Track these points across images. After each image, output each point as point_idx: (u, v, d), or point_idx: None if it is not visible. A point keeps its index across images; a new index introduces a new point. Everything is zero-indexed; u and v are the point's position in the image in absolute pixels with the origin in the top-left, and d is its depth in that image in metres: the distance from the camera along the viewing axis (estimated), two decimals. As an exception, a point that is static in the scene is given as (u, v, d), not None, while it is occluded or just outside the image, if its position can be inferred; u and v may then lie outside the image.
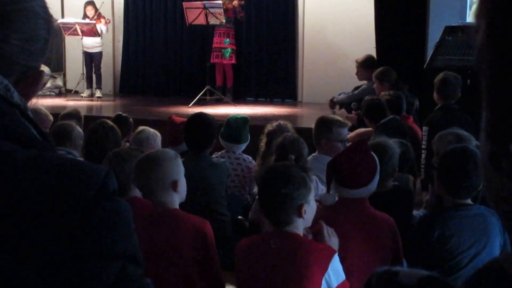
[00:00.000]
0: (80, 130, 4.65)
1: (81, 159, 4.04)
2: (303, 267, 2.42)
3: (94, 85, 10.33)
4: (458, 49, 6.84)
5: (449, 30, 7.10)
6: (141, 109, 9.24)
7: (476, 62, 0.53)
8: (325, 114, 4.83)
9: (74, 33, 9.82)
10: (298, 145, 4.05)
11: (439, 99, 5.38)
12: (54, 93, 10.90)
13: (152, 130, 4.78)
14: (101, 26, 9.96)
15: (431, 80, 5.54)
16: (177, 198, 2.93)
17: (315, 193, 2.73)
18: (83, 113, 5.98)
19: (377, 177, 3.03)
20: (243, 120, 4.92)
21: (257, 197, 4.25)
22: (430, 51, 7.22)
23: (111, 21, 10.68)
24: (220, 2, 9.28)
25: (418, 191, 4.94)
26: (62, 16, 10.74)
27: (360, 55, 7.75)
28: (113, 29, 11.32)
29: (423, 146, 5.20)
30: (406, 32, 7.55)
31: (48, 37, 1.02)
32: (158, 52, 11.31)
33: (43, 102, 7.86)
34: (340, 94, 7.74)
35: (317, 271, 2.42)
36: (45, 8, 1.02)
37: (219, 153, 4.93)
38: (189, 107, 8.87)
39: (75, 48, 10.57)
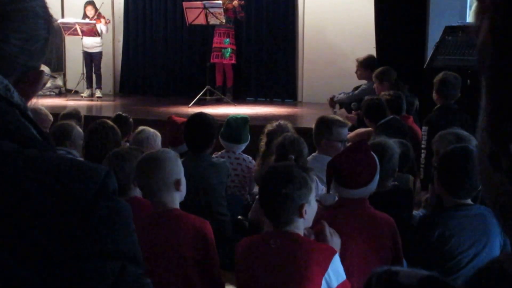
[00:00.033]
0: (80, 130, 4.66)
1: (81, 159, 4.04)
2: (303, 267, 2.42)
3: (94, 85, 10.34)
4: (458, 49, 6.84)
5: (449, 30, 7.10)
6: (141, 109, 9.24)
7: (477, 61, 0.53)
8: (325, 114, 4.83)
9: (74, 33, 9.82)
10: (298, 145, 4.05)
11: (438, 99, 5.38)
12: (54, 93, 10.90)
13: (152, 130, 4.78)
14: (101, 26, 9.96)
15: (431, 80, 5.54)
16: (178, 197, 2.94)
17: (315, 193, 2.73)
18: (83, 113, 5.98)
19: (377, 177, 3.03)
20: (243, 120, 4.92)
21: (257, 197, 4.25)
22: (430, 51, 7.22)
23: (111, 21, 10.68)
24: (220, 2, 9.28)
25: (418, 191, 4.93)
26: (62, 16, 10.74)
27: (360, 55, 7.75)
28: (113, 29, 11.32)
29: (422, 146, 5.20)
30: (406, 32, 7.55)
31: (48, 37, 1.02)
32: (158, 52, 11.32)
33: (43, 102, 7.86)
34: (340, 94, 7.74)
35: (317, 271, 2.42)
36: (45, 8, 1.02)
37: (219, 153, 4.93)
38: (189, 107, 8.87)
39: (75, 48, 10.58)
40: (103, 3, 10.23)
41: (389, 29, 7.76)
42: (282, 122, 4.84)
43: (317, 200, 2.76)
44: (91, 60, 10.19)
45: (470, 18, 7.50)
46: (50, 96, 10.57)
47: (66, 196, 0.87)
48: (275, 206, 2.51)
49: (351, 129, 5.56)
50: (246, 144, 4.92)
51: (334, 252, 2.48)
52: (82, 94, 10.23)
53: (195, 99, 9.15)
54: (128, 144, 4.83)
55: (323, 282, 2.43)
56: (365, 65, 7.50)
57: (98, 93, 10.27)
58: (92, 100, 10.11)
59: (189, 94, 9.87)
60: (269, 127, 4.75)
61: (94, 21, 9.89)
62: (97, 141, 4.28)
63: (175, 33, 11.22)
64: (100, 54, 10.26)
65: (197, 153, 4.27)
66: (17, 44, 0.96)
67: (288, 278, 2.45)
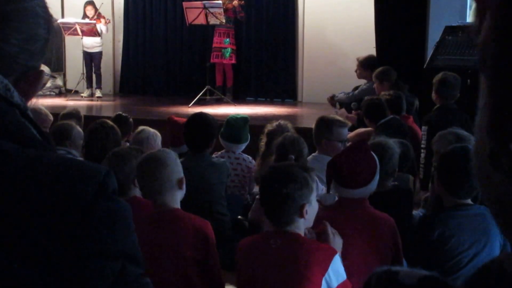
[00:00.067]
0: (80, 130, 4.66)
1: (81, 159, 4.04)
2: (303, 267, 2.42)
3: (94, 85, 10.33)
4: (458, 49, 6.84)
5: (449, 30, 7.10)
6: (141, 109, 9.24)
7: (478, 59, 0.53)
8: (325, 114, 4.82)
9: (74, 33, 9.82)
10: (298, 145, 4.05)
11: (437, 99, 5.38)
12: (54, 93, 10.90)
13: (152, 130, 4.78)
14: (101, 26, 9.96)
15: (431, 80, 5.54)
16: (180, 197, 2.95)
17: (316, 193, 2.73)
18: (83, 113, 5.97)
19: (377, 177, 3.03)
20: (243, 120, 4.92)
21: (257, 197, 4.25)
22: (430, 51, 7.22)
23: (111, 21, 10.68)
24: (220, 2, 9.28)
25: (417, 191, 4.93)
26: (62, 16, 10.74)
27: (360, 55, 7.75)
28: (113, 29, 11.32)
29: (422, 146, 5.20)
30: (406, 32, 7.55)
31: (48, 37, 1.02)
32: (158, 52, 11.31)
33: (43, 102, 7.86)
34: (340, 93, 7.75)
35: (317, 271, 2.42)
36: (45, 8, 1.02)
37: (219, 153, 4.93)
38: (189, 107, 8.87)
39: (75, 48, 10.58)
40: (102, 3, 10.23)
41: (389, 29, 7.76)
42: (282, 122, 4.84)
43: (317, 200, 2.76)
44: (91, 60, 10.19)
45: (470, 18, 7.50)
46: (50, 96, 10.57)
47: (66, 196, 0.88)
48: (276, 206, 2.51)
49: (351, 129, 5.56)
50: (246, 144, 4.92)
51: (334, 253, 2.48)
52: (82, 94, 10.23)
53: (195, 99, 9.15)
54: (128, 144, 4.82)
55: (323, 282, 2.42)
56: (365, 65, 7.50)
57: (98, 93, 10.27)
58: (92, 100, 10.11)
59: (189, 94, 9.87)
60: (269, 127, 4.75)
61: (94, 21, 9.89)
62: (97, 141, 4.28)
63: (175, 33, 11.22)
64: (100, 54, 10.26)
65: (197, 153, 4.27)
66: (17, 44, 0.96)
67: (288, 278, 2.45)
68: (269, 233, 2.59)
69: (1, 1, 0.96)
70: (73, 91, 10.50)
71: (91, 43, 10.07)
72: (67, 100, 9.95)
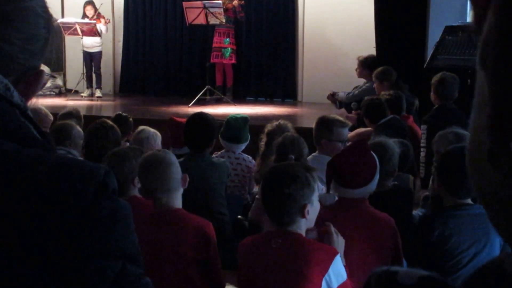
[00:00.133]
0: (80, 129, 4.65)
1: (81, 158, 4.04)
2: (303, 267, 2.42)
3: (94, 84, 10.33)
4: (458, 49, 6.84)
5: (449, 30, 7.10)
6: (141, 109, 9.24)
7: (479, 57, 0.53)
8: (325, 114, 4.82)
9: (74, 32, 9.82)
10: (298, 145, 4.05)
11: (436, 99, 5.39)
12: (54, 93, 10.90)
13: (152, 130, 4.78)
14: (100, 26, 9.95)
15: (431, 80, 5.54)
16: (181, 195, 2.96)
17: (316, 193, 2.73)
18: (83, 112, 5.97)
19: (377, 177, 3.03)
20: (243, 120, 4.92)
21: (257, 196, 4.24)
22: (430, 51, 7.22)
23: (111, 21, 10.68)
24: (220, 2, 9.28)
25: (418, 190, 4.93)
26: (62, 16, 10.74)
27: (360, 55, 7.76)
28: (113, 29, 11.32)
29: (422, 145, 5.20)
30: (406, 32, 7.55)
31: (48, 37, 1.02)
32: (158, 52, 11.31)
33: (43, 102, 7.85)
34: (341, 93, 7.75)
35: (317, 272, 2.41)
36: (45, 7, 1.02)
37: (219, 152, 4.93)
38: (189, 107, 8.87)
39: (75, 47, 10.58)
40: (101, 4, 10.23)
41: (389, 29, 7.76)
42: (282, 122, 4.84)
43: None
44: (91, 59, 10.18)
45: (470, 17, 7.50)
46: (50, 95, 10.57)
47: (66, 196, 0.88)
48: (277, 206, 2.50)
49: (351, 129, 5.56)
50: (246, 144, 4.92)
51: (336, 253, 2.48)
52: (82, 94, 10.23)
53: (195, 99, 9.15)
54: (128, 144, 4.83)
55: (323, 282, 2.42)
56: (365, 65, 7.51)
57: (98, 93, 10.27)
58: (92, 100, 10.11)
59: (189, 94, 9.87)
60: (269, 127, 4.75)
61: (95, 21, 9.88)
62: (97, 141, 4.28)
63: (175, 33, 11.22)
64: (100, 53, 10.25)
65: (197, 152, 4.27)
66: (17, 44, 0.96)
67: (288, 277, 2.45)
68: (270, 233, 2.59)
69: (1, 1, 0.96)
70: (73, 91, 10.49)
71: (91, 43, 10.07)
72: (67, 100, 9.95)
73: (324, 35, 10.15)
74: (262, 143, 4.66)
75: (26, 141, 0.93)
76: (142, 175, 2.98)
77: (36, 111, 4.73)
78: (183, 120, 4.78)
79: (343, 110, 7.53)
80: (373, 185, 3.02)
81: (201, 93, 9.29)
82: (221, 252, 3.11)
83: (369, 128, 5.56)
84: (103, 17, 10.13)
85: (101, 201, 0.89)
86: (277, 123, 4.78)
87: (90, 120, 5.08)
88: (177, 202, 2.94)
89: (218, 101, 9.62)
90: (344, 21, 9.81)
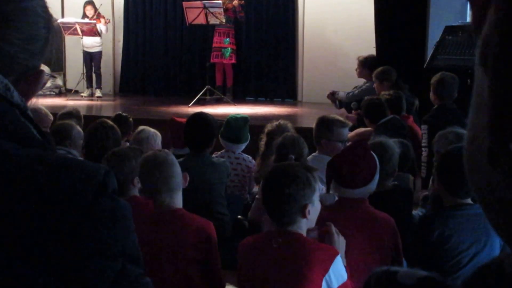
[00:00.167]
0: (80, 129, 4.65)
1: (81, 158, 4.04)
2: (303, 267, 2.42)
3: (94, 84, 10.33)
4: (458, 49, 6.84)
5: (449, 30, 7.10)
6: (141, 109, 9.24)
7: (479, 56, 0.53)
8: (325, 114, 4.82)
9: (74, 32, 9.82)
10: (298, 145, 4.05)
11: (436, 99, 5.39)
12: (54, 93, 10.90)
13: (152, 130, 4.79)
14: (100, 26, 9.95)
15: (431, 80, 5.55)
16: (181, 195, 2.96)
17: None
18: (83, 112, 5.97)
19: (377, 177, 3.03)
20: (243, 120, 4.92)
21: (257, 196, 4.24)
22: (430, 51, 7.22)
23: (111, 21, 10.68)
24: (220, 1, 9.28)
25: (418, 190, 4.93)
26: (62, 16, 10.74)
27: (360, 55, 7.76)
28: (113, 29, 11.32)
29: (423, 144, 5.20)
30: (406, 32, 7.55)
31: (48, 37, 1.02)
32: (158, 52, 11.31)
33: (43, 102, 7.85)
34: (341, 93, 7.75)
35: (317, 272, 2.41)
36: (45, 7, 1.02)
37: (219, 152, 4.93)
38: (189, 107, 8.87)
39: (75, 47, 10.58)
40: (101, 4, 10.22)
41: (389, 29, 7.76)
42: (282, 121, 4.84)
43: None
44: (91, 59, 10.18)
45: (470, 17, 7.49)
46: (50, 95, 10.57)
47: (66, 196, 0.88)
48: (278, 206, 2.50)
49: (351, 129, 5.56)
50: (246, 144, 4.92)
51: (336, 253, 2.48)
52: (82, 94, 10.23)
53: (195, 99, 9.15)
54: (128, 143, 4.83)
55: (323, 282, 2.42)
56: (365, 65, 7.51)
57: (98, 93, 10.27)
58: (92, 100, 10.10)
59: (189, 94, 9.87)
60: (269, 126, 4.75)
61: (95, 21, 9.88)
62: (97, 141, 4.28)
63: (175, 33, 11.22)
64: (100, 53, 10.25)
65: (197, 152, 4.27)
66: (17, 44, 0.96)
67: (288, 277, 2.45)
68: (270, 233, 2.59)
69: (1, 1, 0.96)
70: (73, 91, 10.49)
71: (91, 43, 10.07)
72: (67, 100, 9.94)
73: (324, 35, 10.15)
74: (262, 143, 4.66)
75: (26, 141, 0.93)
76: (144, 175, 2.97)
77: (36, 111, 4.73)
78: (184, 120, 4.79)
79: (343, 110, 7.53)
80: (373, 185, 3.02)
81: (201, 93, 9.29)
82: (221, 252, 3.11)
83: (369, 128, 5.56)
84: (103, 17, 10.13)
85: (101, 201, 0.89)
86: (277, 123, 4.78)
87: (90, 120, 5.08)
88: (178, 202, 2.95)
89: (218, 101, 9.62)
90: (344, 21, 9.81)
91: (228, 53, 9.86)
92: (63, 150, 4.26)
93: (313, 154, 4.38)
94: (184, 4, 9.52)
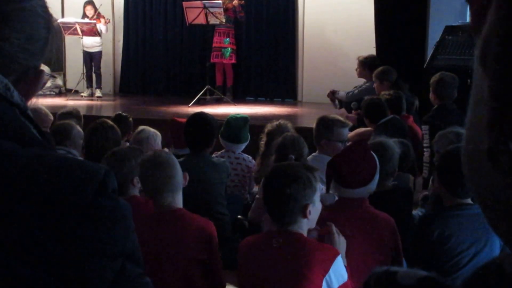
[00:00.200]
0: (80, 129, 4.65)
1: (81, 158, 4.04)
2: (304, 267, 2.42)
3: (94, 84, 10.33)
4: (458, 49, 6.84)
5: (450, 30, 7.10)
6: (141, 109, 9.24)
7: (480, 55, 0.53)
8: (325, 114, 4.82)
9: (74, 32, 9.81)
10: (298, 144, 4.05)
11: (435, 100, 5.39)
12: (54, 93, 10.90)
13: (152, 130, 4.79)
14: (100, 26, 9.95)
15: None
16: (181, 194, 2.96)
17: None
18: (83, 112, 5.97)
19: (377, 177, 3.03)
20: (243, 120, 4.92)
21: (257, 196, 4.25)
22: (430, 51, 7.22)
23: (111, 21, 10.67)
24: (220, 1, 9.28)
25: (418, 190, 4.93)
26: (62, 16, 10.73)
27: (360, 54, 7.76)
28: (113, 29, 11.32)
29: (425, 145, 5.20)
30: (406, 32, 7.55)
31: (48, 37, 1.02)
32: (158, 52, 11.31)
33: (43, 102, 7.85)
34: (341, 92, 7.75)
35: (317, 272, 2.41)
36: (45, 7, 1.02)
37: (219, 152, 4.93)
38: (189, 106, 8.87)
39: (75, 47, 10.57)
40: (101, 4, 10.22)
41: (389, 29, 7.75)
42: (282, 121, 4.84)
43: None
44: (91, 59, 10.18)
45: (469, 17, 7.48)
46: (50, 95, 10.57)
47: (66, 196, 0.88)
48: (279, 206, 2.50)
49: (351, 129, 5.56)
50: (246, 143, 4.92)
51: (337, 254, 2.48)
52: (82, 94, 10.22)
53: (195, 99, 9.15)
54: (128, 143, 4.83)
55: (324, 283, 2.42)
56: (365, 65, 7.51)
57: (98, 93, 10.27)
58: (92, 100, 10.10)
59: (189, 94, 9.87)
60: (269, 126, 4.75)
61: (95, 21, 9.88)
62: (97, 141, 4.28)
63: (175, 33, 11.22)
64: (100, 53, 10.25)
65: (197, 152, 4.27)
66: (17, 44, 0.96)
67: (288, 277, 2.45)
68: (271, 233, 2.59)
69: (1, 1, 0.96)
70: (73, 91, 10.49)
71: (91, 43, 10.07)
72: (67, 99, 9.94)
73: (324, 35, 10.15)
74: (262, 143, 4.66)
75: (26, 141, 0.93)
76: (145, 175, 2.97)
77: (36, 111, 4.73)
78: (185, 120, 4.79)
79: (343, 110, 7.53)
80: (373, 185, 3.02)
81: (201, 93, 9.29)
82: (221, 252, 3.11)
83: (369, 128, 5.56)
84: (103, 17, 10.13)
85: (101, 200, 0.89)
86: (277, 123, 4.78)
87: (90, 120, 5.08)
88: (179, 202, 2.95)
89: (218, 101, 9.62)
90: (344, 21, 9.81)
91: (228, 53, 9.86)
92: (63, 150, 4.26)
93: (313, 154, 4.38)
94: (184, 4, 9.52)
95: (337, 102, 7.77)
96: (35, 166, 0.89)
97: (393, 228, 2.93)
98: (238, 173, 4.82)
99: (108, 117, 5.26)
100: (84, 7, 10.15)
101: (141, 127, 4.83)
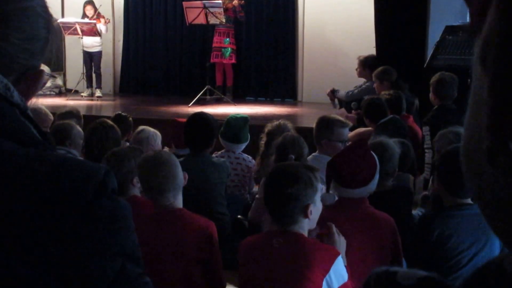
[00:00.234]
0: (80, 129, 4.66)
1: (81, 158, 4.04)
2: (304, 267, 2.42)
3: (94, 84, 10.33)
4: (459, 49, 6.83)
5: (450, 30, 7.10)
6: (141, 109, 9.24)
7: (480, 55, 0.53)
8: (325, 114, 4.82)
9: (74, 32, 9.81)
10: (298, 144, 4.05)
11: (435, 100, 5.39)
12: (54, 93, 10.90)
13: (152, 129, 4.79)
14: (100, 26, 9.95)
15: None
16: (181, 194, 2.97)
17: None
18: (82, 112, 5.97)
19: (376, 177, 3.03)
20: (243, 120, 4.92)
21: (257, 196, 4.24)
22: (430, 51, 7.21)
23: (111, 21, 10.67)
24: (220, 1, 9.28)
25: (418, 190, 4.93)
26: (62, 16, 10.74)
27: (360, 54, 7.75)
28: (113, 29, 11.32)
29: (427, 146, 5.19)
30: (406, 32, 7.54)
31: (48, 37, 1.02)
32: (158, 52, 11.31)
33: (43, 102, 7.85)
34: (341, 92, 7.75)
35: (318, 272, 2.41)
36: (45, 7, 1.02)
37: (219, 152, 4.93)
38: (189, 106, 8.87)
39: (75, 47, 10.57)
40: (100, 5, 10.22)
41: (389, 29, 7.75)
42: (282, 121, 4.84)
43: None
44: (91, 59, 10.18)
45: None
46: (50, 95, 10.57)
47: (66, 195, 0.88)
48: (280, 206, 2.50)
49: (351, 129, 5.56)
50: (246, 143, 4.92)
51: (337, 254, 2.48)
52: (82, 94, 10.22)
53: (195, 99, 9.15)
54: (128, 143, 4.83)
55: (324, 283, 2.42)
56: (365, 64, 7.50)
57: (98, 93, 10.27)
58: (92, 100, 10.10)
59: (189, 94, 9.87)
60: (269, 126, 4.75)
61: (95, 21, 9.88)
62: (97, 141, 4.28)
63: (175, 32, 11.22)
64: (99, 53, 10.25)
65: (197, 152, 4.27)
66: (17, 44, 0.96)
67: (289, 277, 2.45)
68: (272, 233, 2.59)
69: (1, 1, 0.96)
70: (73, 91, 10.49)
71: (91, 43, 10.06)
72: (67, 99, 9.94)
73: (324, 35, 10.15)
74: (262, 143, 4.66)
75: (26, 141, 0.93)
76: (146, 175, 2.96)
77: (36, 111, 4.73)
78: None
79: (343, 110, 7.53)
80: (373, 185, 3.02)
81: (201, 93, 9.29)
82: (221, 252, 3.11)
83: (369, 128, 5.56)
84: (103, 17, 10.13)
85: (101, 200, 0.89)
86: (277, 123, 4.78)
87: (90, 120, 5.08)
88: (180, 202, 2.95)
89: (218, 101, 9.62)
90: (344, 21, 9.81)
91: (228, 53, 9.86)
92: (63, 150, 4.26)
93: (313, 154, 4.38)
94: (184, 4, 9.52)
95: (336, 101, 7.77)
96: (35, 166, 0.89)
97: (393, 228, 2.93)
98: (238, 173, 4.82)
99: (108, 117, 5.26)
100: (84, 7, 10.15)
101: (141, 127, 4.83)
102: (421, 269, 0.69)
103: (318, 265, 2.42)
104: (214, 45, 9.90)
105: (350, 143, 3.88)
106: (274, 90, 10.64)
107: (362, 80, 7.64)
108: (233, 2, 9.62)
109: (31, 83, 1.01)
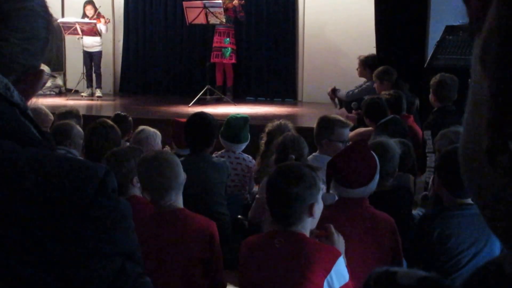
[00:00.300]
0: (80, 129, 4.66)
1: (81, 158, 4.04)
2: (305, 268, 2.42)
3: (94, 84, 10.33)
4: (459, 49, 6.83)
5: (450, 29, 7.10)
6: (141, 109, 9.24)
7: (480, 55, 0.52)
8: (326, 114, 4.82)
9: (74, 32, 9.81)
10: (298, 144, 4.05)
11: (435, 101, 5.38)
12: (54, 93, 10.90)
13: (152, 129, 4.79)
14: (100, 26, 9.95)
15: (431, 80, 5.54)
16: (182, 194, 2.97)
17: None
18: (82, 112, 5.98)
19: (377, 177, 3.03)
20: (243, 120, 4.92)
21: (257, 196, 4.24)
22: (430, 51, 7.22)
23: (110, 21, 10.68)
24: (220, 1, 9.28)
25: (418, 190, 4.93)
26: (62, 16, 10.74)
27: (360, 54, 7.75)
28: (113, 29, 11.32)
29: (429, 150, 5.17)
30: (406, 32, 7.55)
31: (48, 36, 1.02)
32: (158, 52, 11.31)
33: (43, 102, 7.85)
34: (341, 92, 7.75)
35: (319, 273, 2.41)
36: (45, 7, 1.02)
37: (219, 152, 4.93)
38: (189, 106, 8.87)
39: (75, 47, 10.57)
40: (100, 6, 10.21)
41: (389, 28, 7.76)
42: (282, 121, 4.84)
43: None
44: (91, 59, 10.18)
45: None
46: (50, 95, 10.57)
47: (66, 195, 0.88)
48: (284, 206, 2.49)
49: (351, 128, 5.56)
50: (246, 143, 4.92)
51: (338, 254, 2.47)
52: (82, 94, 10.23)
53: (195, 99, 9.15)
54: (128, 143, 4.83)
55: (325, 283, 2.42)
56: (366, 64, 7.50)
57: (98, 93, 10.27)
58: (92, 100, 10.11)
59: (189, 93, 9.87)
60: (270, 126, 4.75)
61: (95, 21, 9.88)
62: (97, 141, 4.28)
63: (175, 32, 11.22)
64: (100, 53, 10.25)
65: (197, 152, 4.27)
66: (17, 44, 0.96)
67: (290, 278, 2.44)
68: (273, 233, 2.58)
69: (1, 1, 0.96)
70: (73, 91, 10.49)
71: (91, 42, 10.07)
72: (67, 99, 9.95)
73: (324, 35, 10.15)
74: (262, 143, 4.66)
75: (26, 141, 0.93)
76: (147, 175, 2.96)
77: (36, 110, 4.73)
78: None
79: (343, 109, 7.53)
80: (373, 185, 3.01)
81: (201, 93, 9.29)
82: (221, 252, 3.11)
83: (369, 128, 5.56)
84: (103, 17, 10.13)
85: (101, 200, 0.89)
86: (277, 122, 4.78)
87: (90, 120, 5.08)
88: (180, 201, 2.95)
89: (218, 101, 9.62)
90: (344, 21, 9.81)
91: (228, 53, 9.86)
92: (63, 150, 4.26)
93: (314, 154, 4.38)
94: (184, 3, 9.52)
95: (336, 101, 7.77)
96: (35, 166, 0.89)
97: (393, 228, 2.93)
98: (238, 173, 4.82)
99: (108, 117, 5.27)
100: (84, 7, 10.15)
101: (141, 127, 4.83)
102: (421, 269, 0.69)
103: (319, 265, 2.42)
104: (214, 45, 9.90)
105: (350, 143, 3.88)
106: (274, 90, 10.64)
107: (362, 80, 7.64)
108: (233, 2, 9.62)
109: (31, 83, 1.01)
